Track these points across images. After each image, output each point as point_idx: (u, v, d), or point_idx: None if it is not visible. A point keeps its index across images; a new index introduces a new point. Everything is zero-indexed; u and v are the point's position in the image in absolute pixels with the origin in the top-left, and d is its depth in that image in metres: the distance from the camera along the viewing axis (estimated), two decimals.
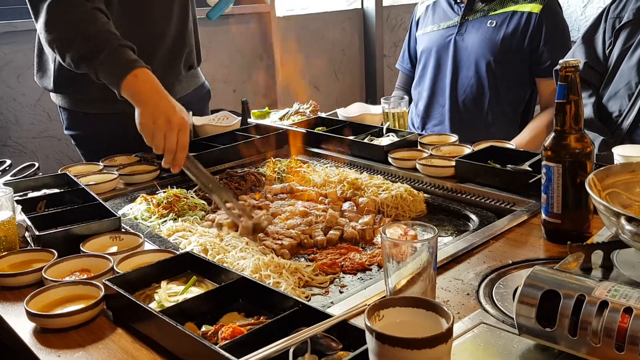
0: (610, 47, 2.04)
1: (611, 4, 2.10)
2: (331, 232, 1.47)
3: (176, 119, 1.56)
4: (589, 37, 2.13)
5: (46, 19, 1.70)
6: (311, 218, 1.52)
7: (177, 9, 2.07)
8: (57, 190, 1.65)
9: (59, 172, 1.77)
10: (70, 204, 1.55)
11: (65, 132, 2.18)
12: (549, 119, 2.31)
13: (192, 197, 1.66)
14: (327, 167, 1.90)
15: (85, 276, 1.19)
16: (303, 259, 1.39)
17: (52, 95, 2.12)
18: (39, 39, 1.91)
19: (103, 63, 1.62)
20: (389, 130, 2.08)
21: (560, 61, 1.19)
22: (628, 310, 0.82)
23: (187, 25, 2.14)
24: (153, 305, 1.07)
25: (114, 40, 1.65)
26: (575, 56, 1.91)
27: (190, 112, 2.09)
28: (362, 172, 1.83)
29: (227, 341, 0.91)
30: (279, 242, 1.41)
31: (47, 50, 1.87)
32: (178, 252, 1.23)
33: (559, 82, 1.20)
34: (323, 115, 2.39)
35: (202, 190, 1.69)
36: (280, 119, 2.39)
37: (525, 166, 1.61)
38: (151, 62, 1.71)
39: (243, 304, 1.07)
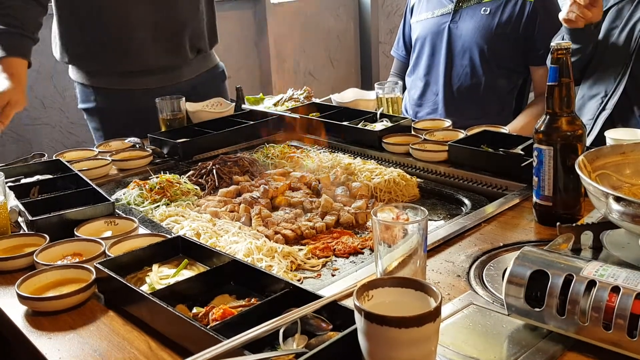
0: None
1: None
2: (327, 217, 1.47)
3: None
4: None
5: None
6: (305, 206, 1.51)
7: None
8: (50, 176, 1.65)
9: (52, 158, 1.77)
10: (63, 190, 1.55)
11: (80, 105, 2.28)
12: (543, 106, 2.30)
13: (185, 182, 1.65)
14: (320, 153, 1.89)
15: (77, 260, 1.19)
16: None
17: (70, 69, 2.25)
18: (56, 15, 2.10)
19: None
20: (382, 115, 2.07)
21: (552, 43, 1.19)
22: (615, 290, 0.83)
23: (198, 8, 2.22)
24: (144, 288, 1.07)
25: (18, 27, 1.91)
26: (563, 38, 1.90)
27: (183, 98, 2.10)
28: (355, 158, 1.83)
29: (217, 322, 0.92)
30: (278, 234, 1.39)
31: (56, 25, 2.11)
32: (170, 236, 1.23)
33: (550, 65, 1.20)
34: (317, 101, 2.38)
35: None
36: (275, 105, 2.38)
37: (518, 150, 1.61)
38: (154, 44, 1.87)
39: (234, 287, 1.08)
